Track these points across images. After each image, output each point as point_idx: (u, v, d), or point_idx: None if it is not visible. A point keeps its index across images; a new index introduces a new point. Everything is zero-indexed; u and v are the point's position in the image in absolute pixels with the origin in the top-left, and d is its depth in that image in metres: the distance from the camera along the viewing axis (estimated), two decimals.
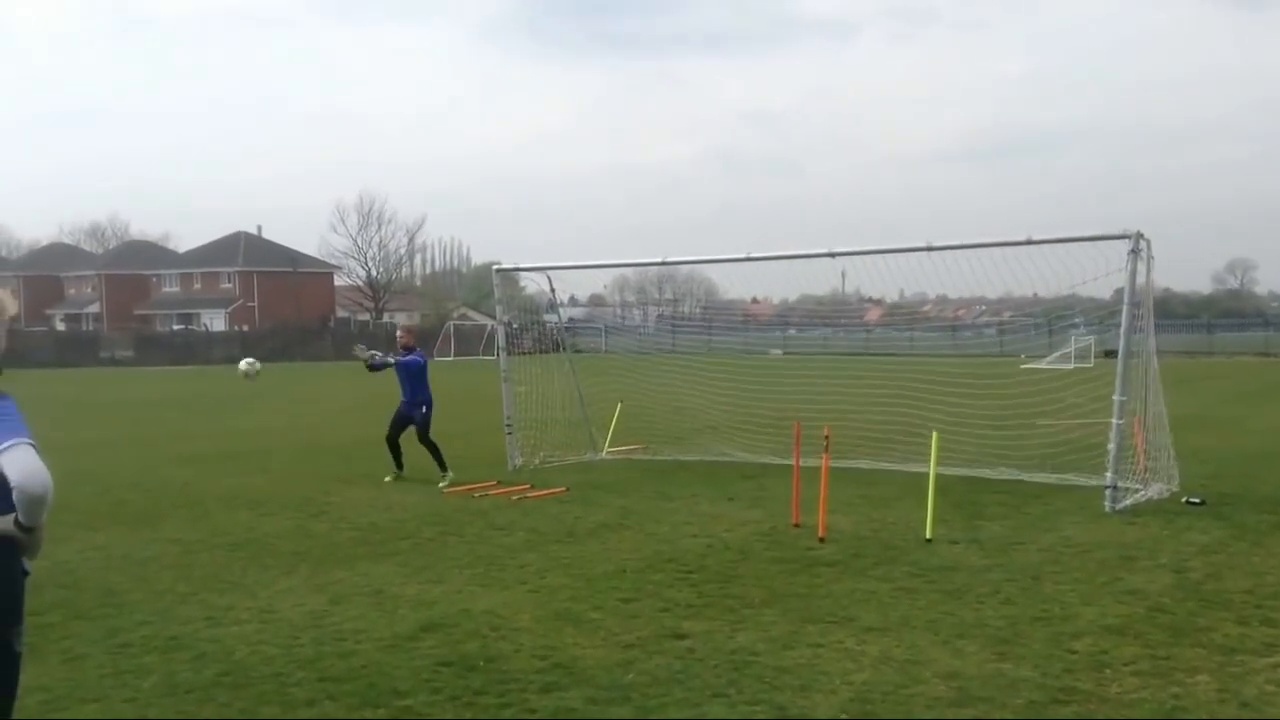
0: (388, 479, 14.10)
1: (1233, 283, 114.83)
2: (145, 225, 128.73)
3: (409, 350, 14.55)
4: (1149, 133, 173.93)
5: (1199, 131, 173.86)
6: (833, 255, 14.23)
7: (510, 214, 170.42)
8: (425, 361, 14.59)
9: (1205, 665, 6.30)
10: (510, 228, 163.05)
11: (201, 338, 76.58)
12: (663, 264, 17.32)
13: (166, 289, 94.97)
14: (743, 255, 15.12)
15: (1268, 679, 6.06)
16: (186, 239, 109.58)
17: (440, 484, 13.63)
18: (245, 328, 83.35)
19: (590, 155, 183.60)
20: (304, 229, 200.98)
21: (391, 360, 14.53)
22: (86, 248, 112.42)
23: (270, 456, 17.44)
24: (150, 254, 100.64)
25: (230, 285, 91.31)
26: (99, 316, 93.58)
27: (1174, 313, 74.52)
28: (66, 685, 6.24)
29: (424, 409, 14.26)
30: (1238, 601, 7.70)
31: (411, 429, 14.25)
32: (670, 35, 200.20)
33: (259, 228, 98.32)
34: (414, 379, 14.29)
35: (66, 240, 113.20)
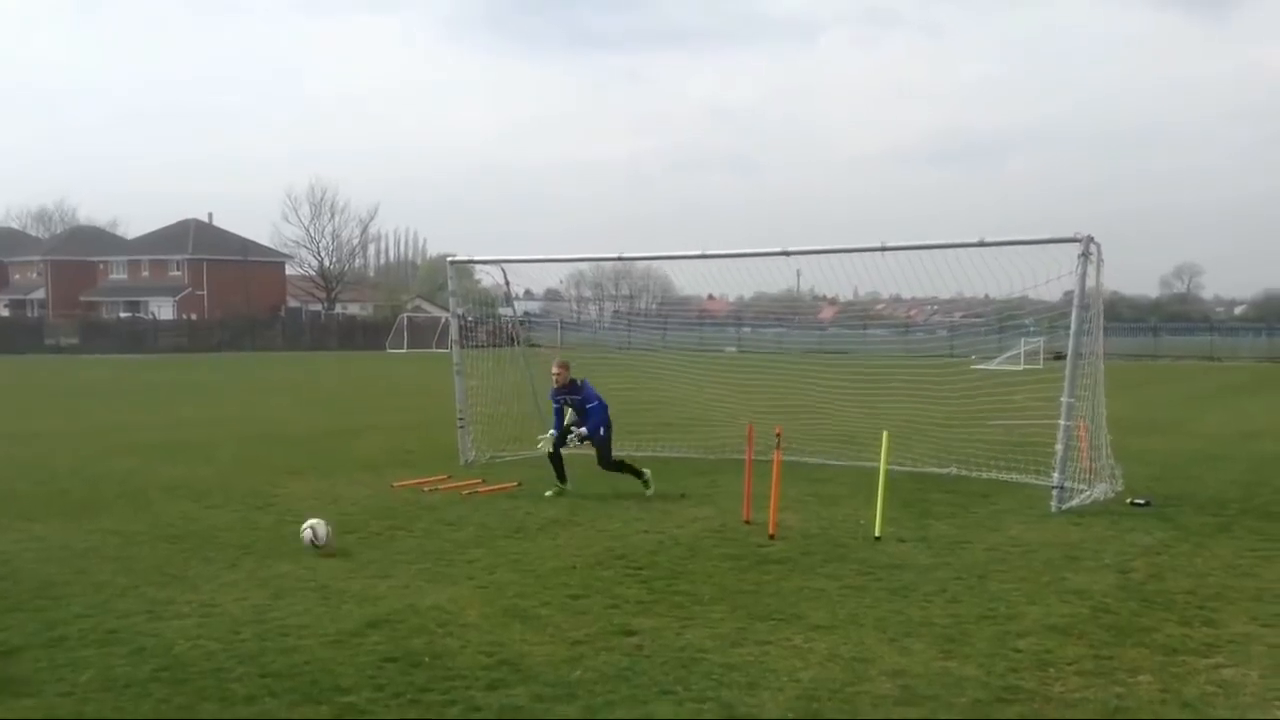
0: (549, 494, 12.56)
1: (1180, 287, 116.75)
2: (93, 211, 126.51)
3: (570, 387, 12.77)
4: (1102, 138, 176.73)
5: (1150, 139, 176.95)
6: (787, 254, 14.26)
7: (467, 206, 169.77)
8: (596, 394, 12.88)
9: (1147, 665, 6.37)
10: (467, 220, 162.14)
11: (149, 326, 75.45)
12: (619, 259, 17.32)
13: (114, 276, 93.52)
14: (698, 252, 15.13)
15: (1209, 679, 6.13)
16: (136, 225, 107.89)
17: (646, 491, 12.51)
18: (194, 316, 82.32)
19: (551, 149, 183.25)
20: (256, 217, 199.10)
21: (579, 430, 12.59)
22: (33, 233, 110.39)
23: (216, 448, 17.19)
24: (98, 240, 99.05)
25: (179, 273, 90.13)
26: (44, 303, 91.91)
27: (1121, 316, 75.69)
28: (0, 679, 6.08)
29: (601, 431, 12.62)
30: (1180, 602, 7.81)
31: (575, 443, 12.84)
32: (636, 31, 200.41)
33: (210, 215, 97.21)
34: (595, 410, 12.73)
35: (13, 225, 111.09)
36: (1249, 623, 7.29)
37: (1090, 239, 11.81)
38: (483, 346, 18.15)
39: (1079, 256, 11.79)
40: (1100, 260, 11.96)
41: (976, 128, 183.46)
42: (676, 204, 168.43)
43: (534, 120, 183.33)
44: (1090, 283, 11.91)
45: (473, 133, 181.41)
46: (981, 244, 12.41)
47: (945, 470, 13.99)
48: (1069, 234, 11.92)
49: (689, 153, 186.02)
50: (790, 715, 5.58)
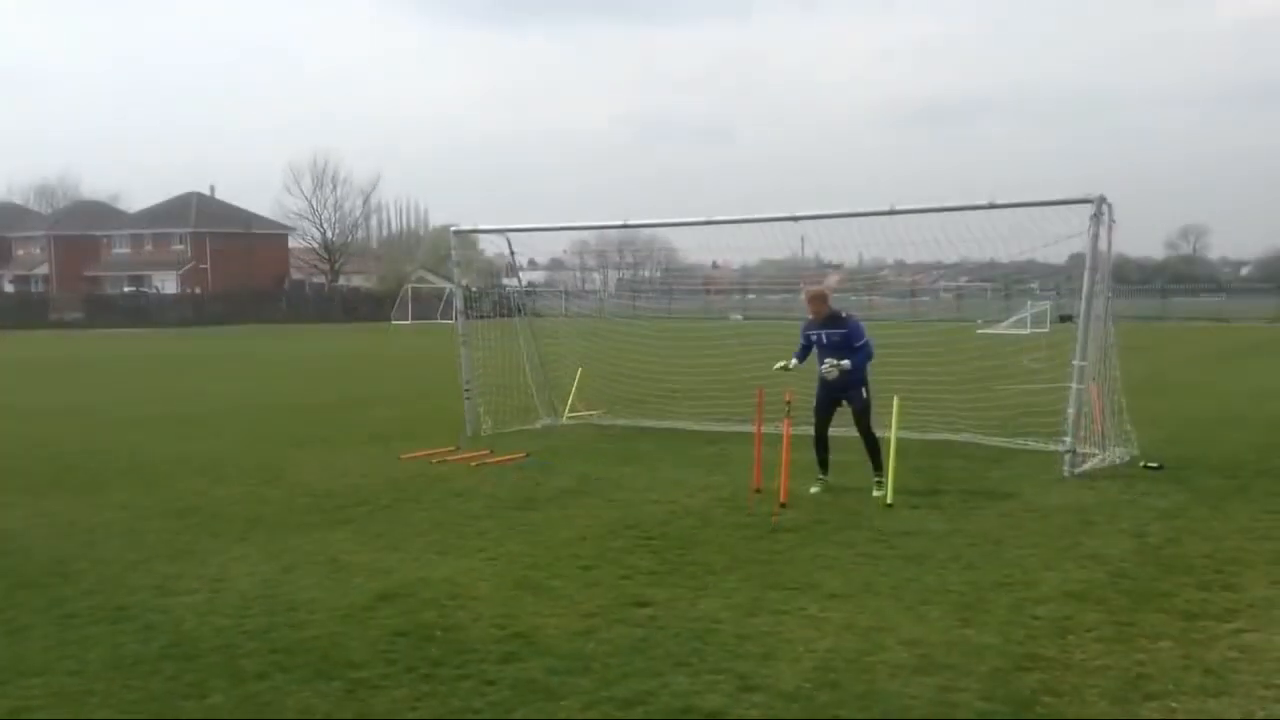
0: (814, 490, 10.62)
1: (1186, 248, 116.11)
2: (95, 185, 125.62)
3: (832, 320, 10.64)
4: (1103, 96, 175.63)
5: (1154, 95, 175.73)
6: (795, 219, 14.11)
7: (469, 176, 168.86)
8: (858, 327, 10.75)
9: (1168, 631, 6.29)
10: (469, 190, 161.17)
11: (153, 300, 75.44)
12: (623, 227, 17.16)
13: (117, 250, 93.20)
14: (703, 219, 14.97)
15: (1230, 644, 6.05)
16: (138, 199, 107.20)
17: (875, 493, 10.34)
18: (198, 290, 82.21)
19: (549, 121, 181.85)
20: (258, 189, 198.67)
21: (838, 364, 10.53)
22: (35, 208, 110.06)
23: (223, 421, 17.14)
24: (100, 214, 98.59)
25: (182, 247, 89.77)
26: (48, 278, 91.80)
27: (1128, 278, 75.26)
28: (9, 657, 6.05)
29: (867, 379, 10.71)
30: (1198, 566, 7.71)
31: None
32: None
33: (212, 188, 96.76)
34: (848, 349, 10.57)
35: (15, 200, 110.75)
36: (1269, 586, 7.20)
37: (1103, 199, 11.63)
38: (487, 317, 18.05)
39: (1091, 218, 11.62)
40: (1112, 221, 11.79)
41: (969, 88, 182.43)
42: (680, 171, 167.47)
43: (529, 89, 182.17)
44: (1102, 245, 11.75)
45: (469, 100, 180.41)
46: (991, 206, 12.24)
47: (957, 436, 13.89)
48: (1080, 195, 11.76)
49: (688, 121, 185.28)
50: (807, 685, 5.51)
